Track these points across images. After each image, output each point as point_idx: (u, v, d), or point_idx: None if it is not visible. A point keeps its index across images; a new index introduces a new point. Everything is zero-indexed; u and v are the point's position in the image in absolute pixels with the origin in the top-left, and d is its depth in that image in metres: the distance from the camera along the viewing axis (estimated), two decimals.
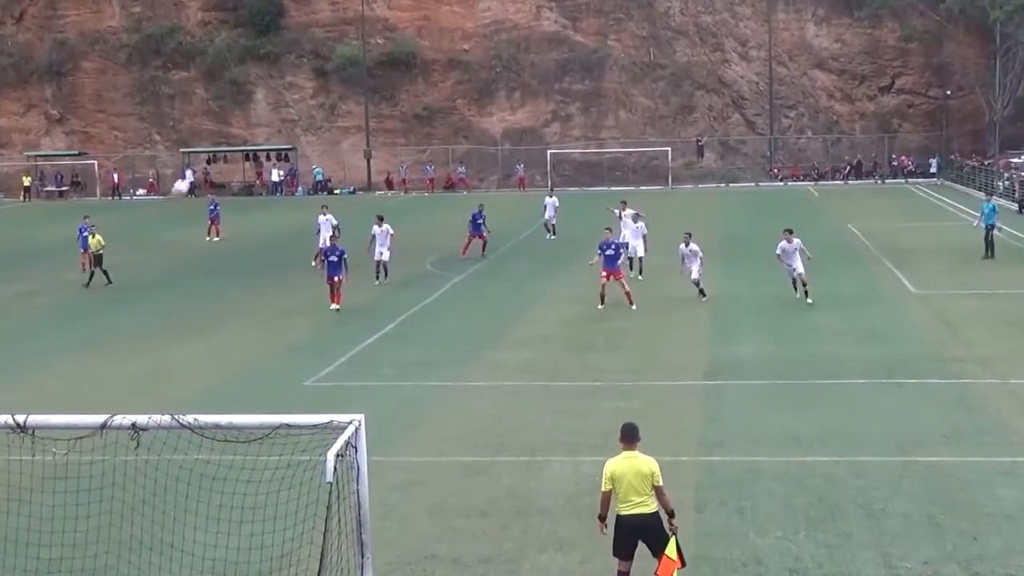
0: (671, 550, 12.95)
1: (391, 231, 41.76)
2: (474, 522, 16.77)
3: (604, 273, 35.06)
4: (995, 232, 44.50)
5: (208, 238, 57.19)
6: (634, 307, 34.34)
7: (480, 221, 48.55)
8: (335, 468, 11.27)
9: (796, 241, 34.39)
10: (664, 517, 13.35)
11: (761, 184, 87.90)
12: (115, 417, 11.81)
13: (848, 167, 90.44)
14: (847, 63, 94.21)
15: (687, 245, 35.34)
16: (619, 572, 13.56)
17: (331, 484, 11.34)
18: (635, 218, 41.35)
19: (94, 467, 14.77)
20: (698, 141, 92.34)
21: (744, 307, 34.72)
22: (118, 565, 14.51)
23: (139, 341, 31.96)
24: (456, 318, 34.33)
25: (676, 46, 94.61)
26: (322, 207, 48.48)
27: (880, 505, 16.90)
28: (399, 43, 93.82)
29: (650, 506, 13.27)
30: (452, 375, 26.61)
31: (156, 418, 11.84)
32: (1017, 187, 63.67)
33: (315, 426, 11.93)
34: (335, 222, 46.07)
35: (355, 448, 11.85)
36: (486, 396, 24.51)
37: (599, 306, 34.80)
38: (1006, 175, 70.82)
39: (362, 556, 12.22)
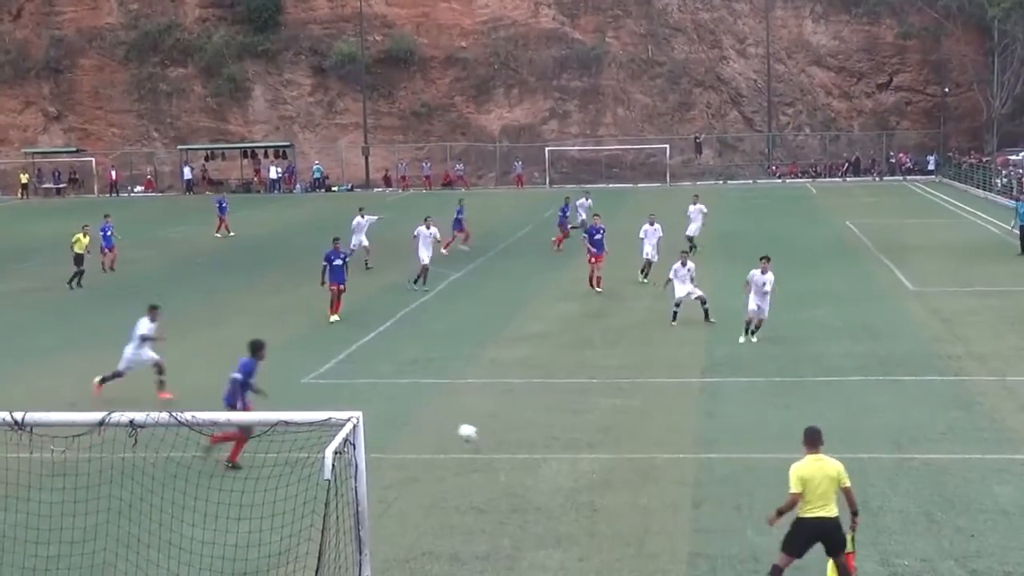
0: (850, 546, 13.29)
1: (437, 234, 40.54)
2: (471, 519, 16.79)
3: (591, 257, 37.44)
4: None
5: (218, 235, 57.16)
6: (599, 290, 37.00)
7: (460, 217, 49.38)
8: (333, 465, 11.29)
9: (770, 276, 28.76)
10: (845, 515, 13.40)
11: (759, 181, 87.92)
12: (113, 414, 11.82)
13: (846, 164, 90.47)
14: (845, 60, 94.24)
15: (683, 265, 31.94)
16: (778, 566, 13.51)
17: (329, 481, 11.36)
18: (652, 220, 40.29)
19: (92, 464, 14.78)
20: (696, 138, 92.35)
21: (741, 304, 34.66)
22: (116, 562, 14.52)
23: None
24: (454, 315, 34.34)
25: (674, 43, 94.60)
26: (359, 209, 46.94)
27: (877, 502, 16.92)
28: (397, 40, 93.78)
29: (833, 510, 13.28)
30: (450, 372, 26.63)
31: (154, 415, 11.85)
32: (1015, 184, 63.66)
33: (313, 423, 11.94)
34: (373, 218, 45.66)
35: (353, 445, 11.86)
36: (484, 393, 24.53)
37: (597, 289, 37.00)
38: (1004, 172, 70.81)
39: (360, 553, 12.24)
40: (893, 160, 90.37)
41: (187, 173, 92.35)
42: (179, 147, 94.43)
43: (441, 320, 33.59)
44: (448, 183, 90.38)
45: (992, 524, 16.00)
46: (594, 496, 17.63)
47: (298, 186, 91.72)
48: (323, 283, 33.58)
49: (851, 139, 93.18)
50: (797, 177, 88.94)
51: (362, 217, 45.52)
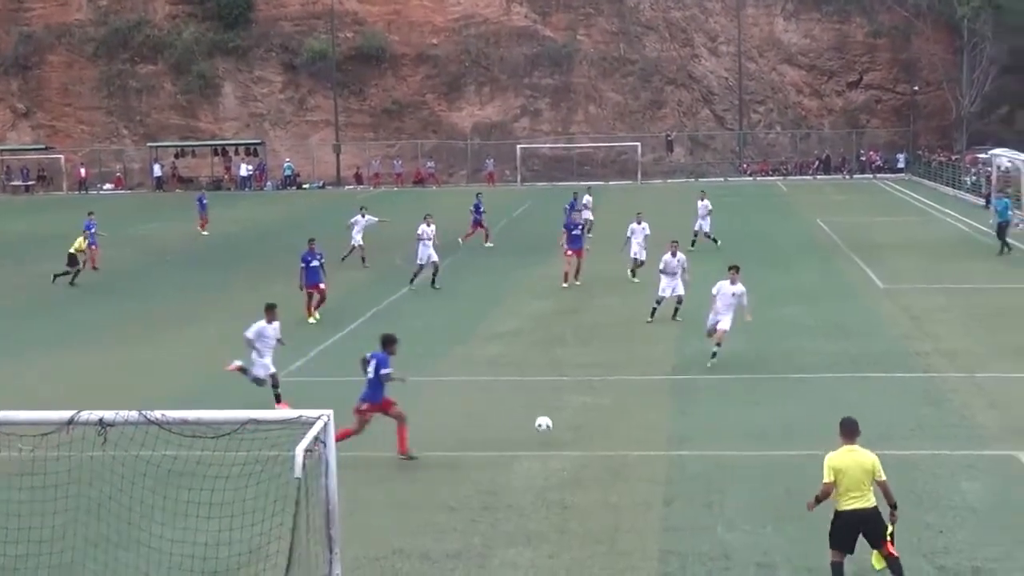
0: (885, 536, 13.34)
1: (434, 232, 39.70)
2: (442, 517, 16.77)
3: (568, 252, 37.80)
4: (1010, 227, 44.42)
5: (204, 232, 57.15)
6: (578, 282, 37.67)
7: (479, 212, 49.76)
8: (304, 463, 11.26)
9: (740, 287, 26.02)
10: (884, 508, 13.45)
11: (730, 179, 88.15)
12: (82, 413, 11.74)
13: (817, 162, 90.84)
14: (816, 59, 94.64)
15: (674, 255, 31.39)
16: (833, 563, 13.57)
17: (299, 479, 11.32)
18: (639, 218, 39.97)
19: (60, 463, 14.68)
20: (667, 136, 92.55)
21: (705, 301, 34.72)
22: (84, 561, 14.43)
23: (106, 336, 31.82)
24: (425, 313, 34.28)
25: (646, 41, 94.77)
26: (361, 208, 46.61)
27: None
28: (368, 37, 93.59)
29: (871, 500, 13.33)
30: (421, 370, 26.50)
31: (123, 414, 11.78)
32: (984, 182, 64.04)
33: (283, 421, 11.91)
34: (374, 219, 45.37)
35: (324, 443, 11.83)
36: (455, 391, 24.52)
37: (563, 284, 37.29)
38: (973, 170, 71.24)
39: (330, 551, 12.21)
40: (863, 158, 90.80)
41: (157, 170, 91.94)
42: (149, 144, 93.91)
43: (413, 318, 33.52)
44: (419, 181, 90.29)
45: (961, 520, 16.10)
46: (565, 494, 17.64)
47: (269, 184, 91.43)
48: (301, 287, 33.03)
49: (821, 137, 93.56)
50: (768, 175, 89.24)
51: (363, 216, 45.20)
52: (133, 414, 11.71)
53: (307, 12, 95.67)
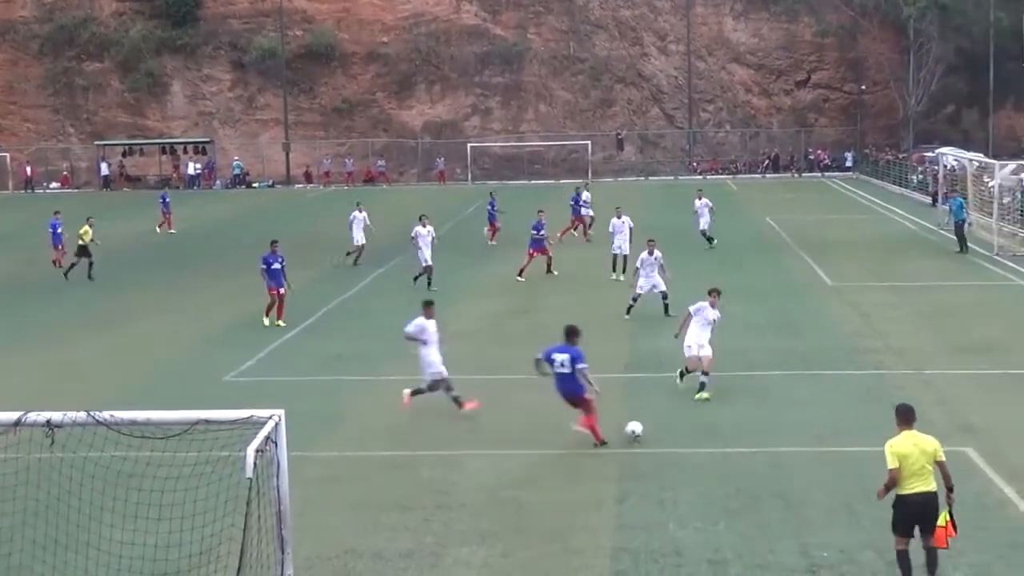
0: (942, 520, 13.32)
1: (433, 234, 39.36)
2: (395, 516, 16.72)
3: (531, 252, 38.82)
4: (966, 227, 44.59)
5: (169, 231, 56.84)
6: (555, 272, 38.94)
7: (493, 210, 50.00)
8: (255, 464, 11.17)
9: (718, 313, 23.70)
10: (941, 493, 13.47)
11: (680, 177, 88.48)
12: (29, 414, 11.60)
13: (766, 161, 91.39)
14: (764, 58, 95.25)
15: (651, 253, 31.54)
16: (899, 551, 13.59)
17: (251, 480, 11.23)
18: (619, 213, 39.56)
19: (7, 465, 14.50)
20: (617, 135, 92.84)
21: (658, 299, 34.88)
22: (33, 564, 14.27)
23: (54, 336, 31.47)
24: (377, 312, 34.16)
25: (595, 40, 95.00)
26: (357, 204, 46.14)
27: (798, 495, 17.09)
28: (318, 35, 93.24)
29: (932, 484, 13.39)
30: (373, 369, 26.49)
31: (71, 415, 11.64)
32: (931, 181, 64.66)
33: (234, 421, 11.80)
34: (368, 222, 44.85)
35: (275, 443, 11.74)
36: (408, 390, 24.39)
37: (519, 278, 38.29)
38: (919, 169, 71.91)
39: (282, 552, 12.13)
40: (811, 157, 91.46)
41: (104, 169, 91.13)
42: (96, 143, 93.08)
43: (364, 317, 33.43)
44: (370, 179, 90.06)
45: None
46: (518, 492, 17.63)
47: (218, 182, 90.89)
48: (268, 288, 31.93)
49: (770, 136, 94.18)
50: (717, 173, 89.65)
51: (360, 211, 44.74)
52: (81, 415, 11.57)
53: (256, 10, 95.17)
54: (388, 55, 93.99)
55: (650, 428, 21.01)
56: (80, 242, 42.35)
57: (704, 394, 22.56)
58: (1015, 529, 15.61)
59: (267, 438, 11.58)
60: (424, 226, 38.83)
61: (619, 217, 39.50)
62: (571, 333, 20.26)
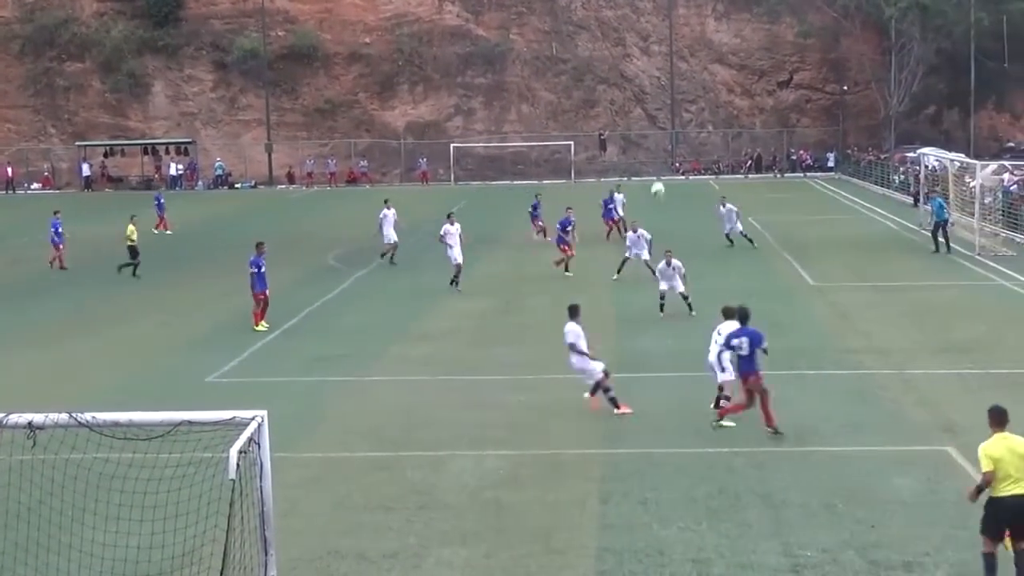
0: None
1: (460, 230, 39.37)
2: (378, 517, 16.71)
3: (562, 247, 40.27)
4: (946, 227, 44.49)
5: (168, 231, 56.71)
6: (570, 274, 39.25)
7: (537, 210, 49.52)
8: (238, 465, 11.15)
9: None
10: None
11: (663, 178, 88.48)
12: (10, 415, 11.56)
13: (748, 161, 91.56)
14: (746, 58, 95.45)
15: (668, 264, 31.97)
16: (986, 553, 13.42)
17: (234, 481, 11.21)
18: (634, 227, 39.11)
19: None
20: (600, 135, 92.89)
21: (648, 301, 34.92)
22: (14, 567, 14.21)
23: (36, 337, 31.36)
24: (359, 313, 34.17)
25: (578, 40, 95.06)
26: (385, 201, 45.88)
27: (780, 495, 17.13)
28: (300, 36, 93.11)
29: None
30: (355, 370, 26.49)
31: (53, 416, 11.61)
32: (912, 181, 64.86)
33: (217, 423, 11.77)
34: (397, 218, 44.80)
35: (258, 444, 11.72)
36: (390, 391, 24.44)
37: (567, 273, 39.49)
38: (901, 169, 72.13)
39: (265, 553, 12.11)
40: (794, 157, 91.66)
41: (86, 170, 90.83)
42: (77, 143, 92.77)
43: (346, 317, 33.42)
44: (353, 180, 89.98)
45: (892, 514, 16.28)
46: (501, 492, 17.64)
47: (200, 183, 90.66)
48: (255, 292, 31.43)
49: (753, 136, 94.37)
50: (700, 174, 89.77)
51: (388, 209, 44.60)
52: (63, 416, 11.54)
53: (238, 10, 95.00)
54: (370, 56, 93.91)
55: (632, 428, 21.05)
56: (128, 243, 42.57)
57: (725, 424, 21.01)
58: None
59: (250, 439, 11.57)
60: (452, 223, 38.97)
61: (635, 231, 38.75)
62: (743, 316, 20.83)
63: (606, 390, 22.00)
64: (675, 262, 32.10)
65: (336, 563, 15.07)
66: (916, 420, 21.33)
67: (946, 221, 44.39)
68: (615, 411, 21.78)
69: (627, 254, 38.82)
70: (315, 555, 15.29)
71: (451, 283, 37.66)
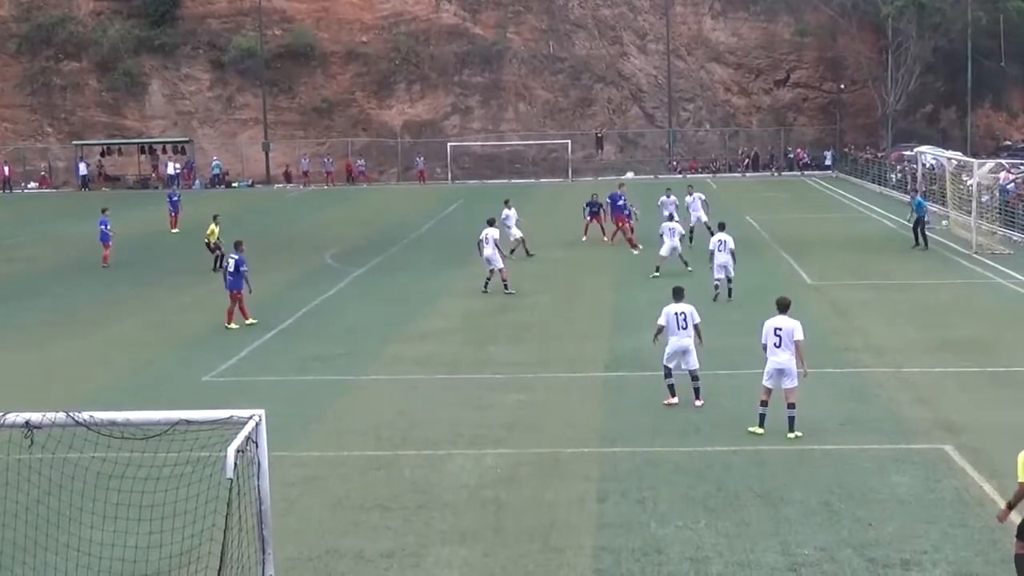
0: None
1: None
2: (376, 516, 16.70)
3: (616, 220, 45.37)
4: (924, 224, 45.03)
5: (175, 230, 56.78)
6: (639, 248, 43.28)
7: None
8: (235, 464, 11.14)
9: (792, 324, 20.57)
10: None
11: (660, 176, 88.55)
12: (8, 415, 11.55)
13: (745, 159, 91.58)
14: (743, 57, 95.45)
15: (722, 244, 34.20)
16: (1019, 555, 13.04)
17: (231, 480, 11.20)
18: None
19: None
20: (597, 134, 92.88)
21: (644, 299, 34.94)
22: (12, 566, 14.21)
23: (33, 336, 31.35)
24: (356, 312, 34.15)
25: (575, 39, 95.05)
26: (505, 201, 45.99)
27: (778, 493, 17.13)
28: (297, 35, 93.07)
29: None
30: (353, 369, 26.48)
31: (51, 415, 11.60)
32: (909, 180, 64.92)
33: (215, 422, 11.76)
34: (517, 216, 45.18)
35: (255, 443, 11.71)
36: (387, 390, 24.43)
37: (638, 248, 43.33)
38: (898, 167, 72.15)
39: (263, 552, 12.11)
40: (791, 155, 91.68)
41: (82, 169, 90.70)
42: (74, 142, 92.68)
43: (344, 317, 33.40)
44: (351, 176, 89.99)
45: (889, 513, 16.28)
46: (499, 491, 17.64)
47: (197, 182, 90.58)
48: (237, 291, 31.56)
49: (750, 135, 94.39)
50: (697, 172, 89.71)
51: (509, 208, 45.08)
52: (61, 416, 11.52)
53: (235, 9, 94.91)
54: (367, 54, 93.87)
55: (630, 427, 21.06)
56: (206, 241, 42.69)
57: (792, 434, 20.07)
58: (994, 526, 15.67)
59: (247, 438, 11.56)
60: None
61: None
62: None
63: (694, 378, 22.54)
64: (725, 237, 34.58)
65: (334, 562, 15.06)
66: (914, 418, 21.33)
67: (924, 218, 44.91)
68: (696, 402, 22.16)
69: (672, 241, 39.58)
70: (313, 554, 15.28)
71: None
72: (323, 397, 24.04)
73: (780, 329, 20.44)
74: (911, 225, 45.85)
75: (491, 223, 37.31)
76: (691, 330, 22.15)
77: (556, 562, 14.88)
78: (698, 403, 22.18)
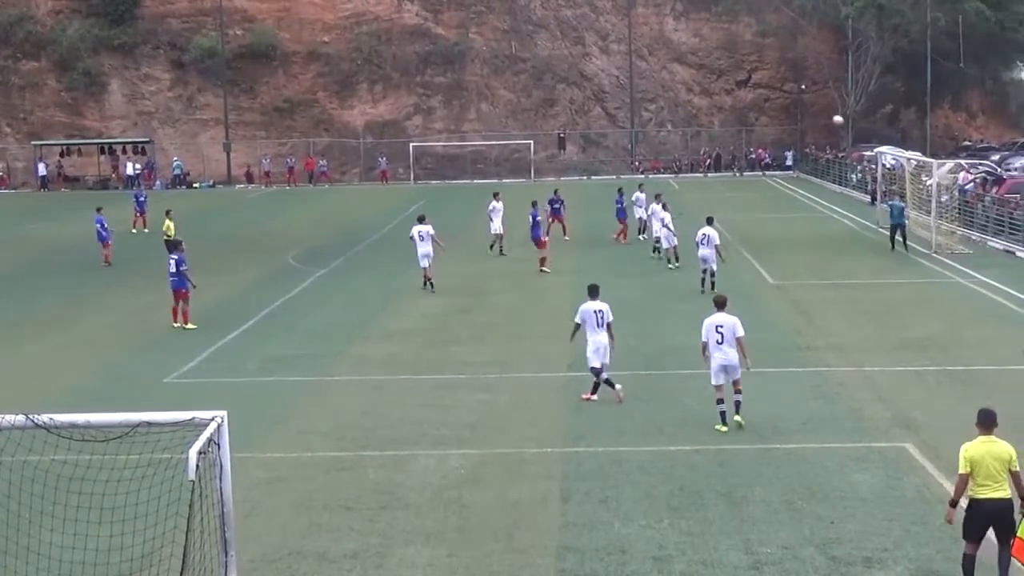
0: (1022, 531, 13.02)
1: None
2: (340, 517, 16.66)
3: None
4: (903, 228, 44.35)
5: (134, 230, 56.10)
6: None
7: (557, 205, 49.14)
8: (197, 466, 11.08)
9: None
10: (1016, 502, 13.28)
11: (622, 176, 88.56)
12: None
13: (707, 160, 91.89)
14: (705, 57, 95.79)
15: (705, 238, 35.80)
16: (966, 555, 13.41)
17: (193, 482, 11.15)
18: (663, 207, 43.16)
19: None
20: (560, 134, 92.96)
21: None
22: None
23: None
24: (319, 313, 34.04)
25: (537, 39, 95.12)
26: (495, 194, 46.09)
27: (741, 492, 17.20)
28: (258, 35, 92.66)
29: (1006, 491, 13.20)
30: (316, 370, 26.40)
31: (9, 418, 11.51)
32: (869, 180, 65.31)
33: (176, 423, 11.70)
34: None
35: (218, 445, 11.66)
36: (351, 391, 24.36)
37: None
38: (859, 168, 72.58)
39: (225, 554, 12.05)
40: (752, 156, 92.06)
41: (42, 169, 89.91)
42: (33, 143, 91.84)
43: (306, 317, 33.28)
44: (311, 174, 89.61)
45: (851, 511, 16.38)
46: (463, 492, 17.63)
47: (158, 183, 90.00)
48: (184, 290, 31.49)
49: (711, 135, 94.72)
50: (659, 172, 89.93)
51: (497, 201, 45.05)
52: (20, 418, 11.43)
53: (195, 9, 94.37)
54: (329, 55, 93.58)
55: (594, 427, 21.08)
56: (165, 237, 42.24)
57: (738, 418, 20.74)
58: (955, 524, 15.79)
59: (209, 440, 11.51)
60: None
61: (658, 203, 43.51)
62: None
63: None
64: (709, 231, 36.00)
65: (297, 563, 15.01)
66: (875, 417, 21.48)
67: (902, 224, 44.31)
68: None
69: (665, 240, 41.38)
70: (276, 556, 15.22)
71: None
72: (286, 398, 23.95)
73: (721, 326, 20.80)
74: (888, 232, 44.97)
75: (421, 220, 37.94)
76: (606, 328, 22.61)
77: (520, 562, 14.89)
78: (593, 398, 22.61)
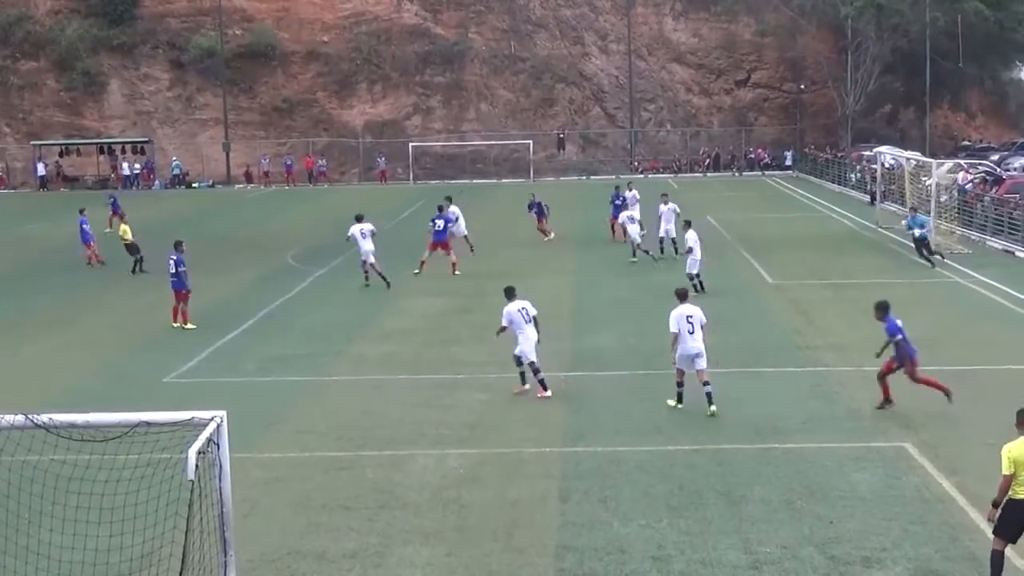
0: None
1: (676, 208, 42.93)
2: (339, 517, 16.67)
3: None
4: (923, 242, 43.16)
5: (108, 230, 55.97)
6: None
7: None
8: (197, 465, 11.08)
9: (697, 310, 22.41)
10: None
11: (622, 176, 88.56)
12: None
13: (706, 159, 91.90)
14: (704, 57, 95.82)
15: (666, 204, 37.95)
16: (995, 551, 13.31)
17: (193, 482, 11.15)
18: (665, 200, 43.61)
19: None
20: (559, 134, 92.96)
21: (604, 298, 35.06)
22: None
23: None
24: (318, 312, 34.05)
25: (536, 39, 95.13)
26: (447, 197, 46.16)
27: (740, 492, 17.21)
28: (257, 34, 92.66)
29: None
30: (315, 370, 26.39)
31: (8, 418, 11.50)
32: (869, 180, 65.33)
33: (176, 423, 11.70)
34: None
35: (217, 445, 11.66)
36: (350, 391, 24.37)
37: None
38: (858, 167, 72.58)
39: (225, 554, 12.05)
40: (752, 155, 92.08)
41: (41, 169, 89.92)
42: (32, 143, 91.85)
43: (306, 317, 33.28)
44: (312, 178, 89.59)
45: (850, 511, 16.38)
46: (462, 491, 17.63)
47: (157, 182, 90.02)
48: (185, 291, 31.61)
49: (711, 135, 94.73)
50: (659, 172, 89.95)
51: (449, 204, 44.43)
52: (19, 418, 11.43)
53: (194, 9, 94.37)
54: (328, 54, 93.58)
55: (592, 426, 21.09)
56: (124, 242, 42.68)
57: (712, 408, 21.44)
58: (954, 523, 15.80)
59: (209, 440, 11.51)
60: (666, 204, 43.55)
61: (665, 204, 43.04)
62: (882, 309, 22.18)
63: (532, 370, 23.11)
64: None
65: (296, 563, 15.02)
66: (874, 416, 21.47)
67: (925, 238, 42.52)
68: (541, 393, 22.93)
69: (660, 233, 42.61)
70: (275, 555, 15.23)
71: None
72: (285, 398, 23.95)
73: (691, 317, 21.92)
74: (915, 246, 41.86)
75: (359, 219, 38.44)
76: (533, 323, 23.11)
77: (519, 561, 14.89)
78: (545, 393, 23.01)
